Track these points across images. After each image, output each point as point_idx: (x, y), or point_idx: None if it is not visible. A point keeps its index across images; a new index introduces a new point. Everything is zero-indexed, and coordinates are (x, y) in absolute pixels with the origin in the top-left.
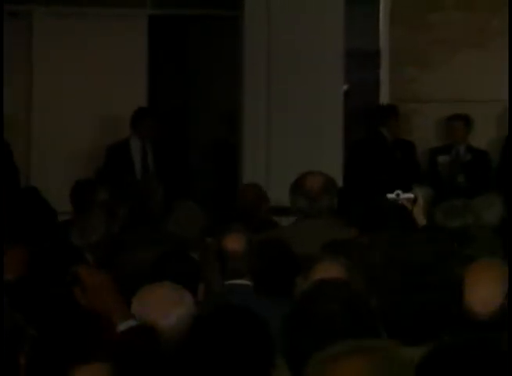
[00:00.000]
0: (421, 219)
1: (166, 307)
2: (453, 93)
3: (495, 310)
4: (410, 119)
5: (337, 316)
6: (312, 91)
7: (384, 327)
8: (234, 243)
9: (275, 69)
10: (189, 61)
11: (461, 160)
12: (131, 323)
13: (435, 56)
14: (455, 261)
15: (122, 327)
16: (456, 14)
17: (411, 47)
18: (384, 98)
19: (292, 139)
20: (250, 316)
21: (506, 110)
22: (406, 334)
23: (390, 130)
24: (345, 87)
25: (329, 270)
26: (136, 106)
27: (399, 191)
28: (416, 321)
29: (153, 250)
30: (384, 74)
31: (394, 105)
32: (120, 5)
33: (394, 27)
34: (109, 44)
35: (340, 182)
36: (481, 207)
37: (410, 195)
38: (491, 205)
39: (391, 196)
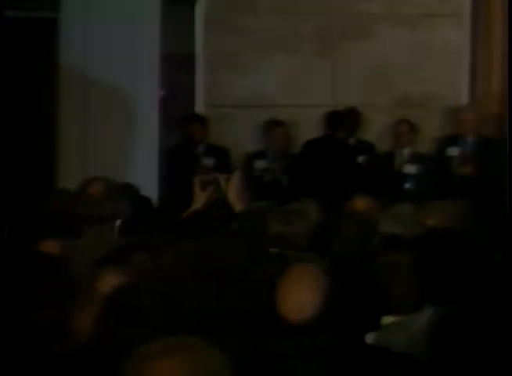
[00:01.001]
0: (237, 204)
1: None
2: (267, 98)
3: (310, 316)
4: (224, 124)
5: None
6: (129, 94)
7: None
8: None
9: (91, 71)
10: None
11: (280, 164)
12: None
13: (249, 60)
14: (269, 266)
15: None
16: (269, 18)
17: (226, 51)
18: (200, 103)
19: (109, 143)
20: None
21: (321, 115)
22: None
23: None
24: (162, 91)
25: (113, 278)
26: None
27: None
28: (225, 328)
29: None
30: (199, 78)
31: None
32: None
33: (209, 31)
34: None
35: (155, 187)
36: (298, 213)
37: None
38: (305, 212)
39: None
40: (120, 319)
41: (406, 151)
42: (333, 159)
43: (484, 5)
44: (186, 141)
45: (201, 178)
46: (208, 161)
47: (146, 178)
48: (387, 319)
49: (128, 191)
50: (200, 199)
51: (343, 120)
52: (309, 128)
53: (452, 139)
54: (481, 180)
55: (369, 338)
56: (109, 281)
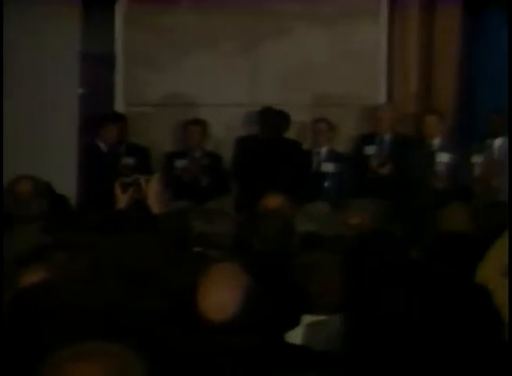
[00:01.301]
0: (156, 206)
1: None
2: (187, 97)
3: (231, 315)
4: (143, 123)
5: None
6: (48, 94)
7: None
8: None
9: (9, 71)
10: None
11: (199, 164)
12: None
13: (169, 59)
14: (190, 265)
15: None
16: (189, 17)
17: (145, 50)
18: (119, 102)
19: (27, 142)
20: None
21: (242, 114)
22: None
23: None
24: (81, 90)
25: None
26: None
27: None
28: (145, 327)
29: None
30: (118, 77)
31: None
32: None
33: (128, 30)
34: None
35: (74, 185)
36: (219, 212)
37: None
38: (226, 211)
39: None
40: (26, 320)
41: (324, 150)
42: (270, 157)
43: (400, 5)
44: (106, 140)
45: (122, 181)
46: (128, 161)
47: (65, 177)
48: (307, 319)
49: (48, 190)
50: (121, 200)
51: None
52: (229, 127)
53: (370, 138)
54: (398, 179)
55: (290, 336)
56: (31, 279)
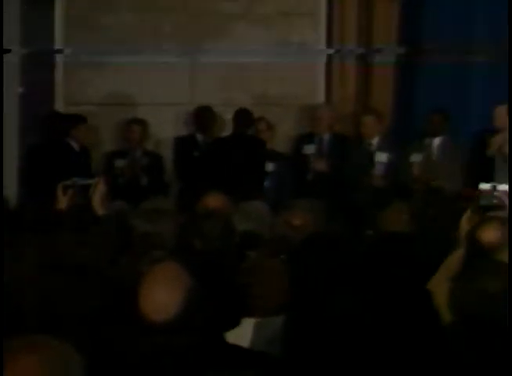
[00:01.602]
0: (100, 208)
1: None
2: (128, 96)
3: (171, 315)
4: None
5: None
6: None
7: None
8: None
9: None
10: None
11: (138, 163)
12: None
13: (110, 59)
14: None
15: None
16: (130, 16)
17: (86, 49)
18: (59, 101)
19: None
20: None
21: (181, 114)
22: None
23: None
24: (21, 89)
25: None
26: None
27: None
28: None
29: None
30: (59, 76)
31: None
32: None
33: (69, 29)
34: None
35: (15, 187)
36: (161, 211)
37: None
38: (167, 211)
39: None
40: None
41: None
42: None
43: (338, 6)
44: (47, 140)
45: (63, 183)
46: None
47: (5, 177)
48: (248, 320)
49: None
50: (61, 202)
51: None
52: (170, 127)
53: (308, 138)
54: (337, 178)
55: (230, 336)
56: None
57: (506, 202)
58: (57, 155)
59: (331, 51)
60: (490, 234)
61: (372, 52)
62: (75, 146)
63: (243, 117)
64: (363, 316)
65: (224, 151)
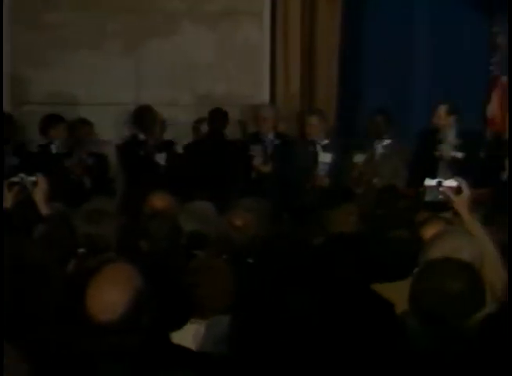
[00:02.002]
0: (43, 207)
1: None
2: (72, 95)
3: (117, 315)
4: (30, 121)
5: None
6: None
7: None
8: None
9: None
10: None
11: (84, 163)
12: None
13: (54, 57)
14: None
15: None
16: (74, 14)
17: (30, 47)
18: (5, 100)
19: None
20: None
21: (127, 114)
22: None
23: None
24: None
25: None
26: None
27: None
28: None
29: None
30: (3, 74)
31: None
32: None
33: (13, 27)
34: None
35: None
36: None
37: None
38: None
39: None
40: None
41: None
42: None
43: (282, 5)
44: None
45: (9, 180)
46: (14, 161)
47: None
48: (194, 321)
49: None
50: (7, 199)
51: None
52: (114, 127)
53: (253, 137)
54: (281, 178)
55: (175, 337)
56: None
57: (452, 197)
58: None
59: (275, 50)
60: (431, 232)
61: (315, 52)
62: (52, 146)
63: (217, 117)
64: (311, 316)
65: (201, 153)
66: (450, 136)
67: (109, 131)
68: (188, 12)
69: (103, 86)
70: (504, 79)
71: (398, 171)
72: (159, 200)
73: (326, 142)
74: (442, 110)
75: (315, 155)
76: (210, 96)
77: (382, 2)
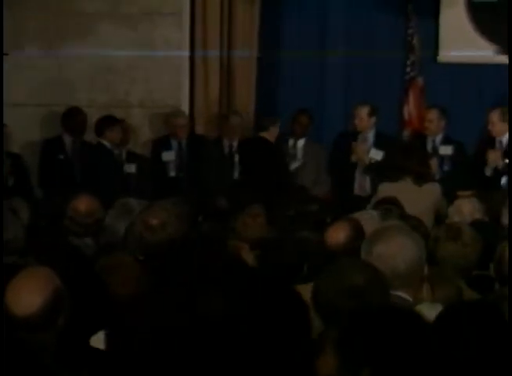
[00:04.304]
0: None
1: None
2: None
3: (34, 316)
4: None
5: None
6: None
7: None
8: None
9: None
10: None
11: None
12: None
13: None
14: None
15: None
16: None
17: None
18: None
19: None
20: None
21: (45, 115)
22: None
23: None
24: None
25: None
26: None
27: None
28: None
29: None
30: None
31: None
32: None
33: None
34: None
35: None
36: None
37: None
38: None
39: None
40: None
41: (124, 151)
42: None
43: (201, 6)
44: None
45: None
46: None
47: None
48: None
49: None
50: None
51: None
52: (33, 128)
53: (166, 140)
54: (196, 180)
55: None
56: None
57: None
58: None
59: (194, 52)
60: (333, 236)
61: (234, 53)
62: None
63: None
64: (222, 318)
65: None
66: (370, 138)
67: (28, 132)
68: (107, 13)
69: (21, 87)
70: (420, 80)
71: (320, 173)
72: (82, 204)
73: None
74: (364, 111)
75: (232, 156)
76: (127, 99)
77: (298, 4)
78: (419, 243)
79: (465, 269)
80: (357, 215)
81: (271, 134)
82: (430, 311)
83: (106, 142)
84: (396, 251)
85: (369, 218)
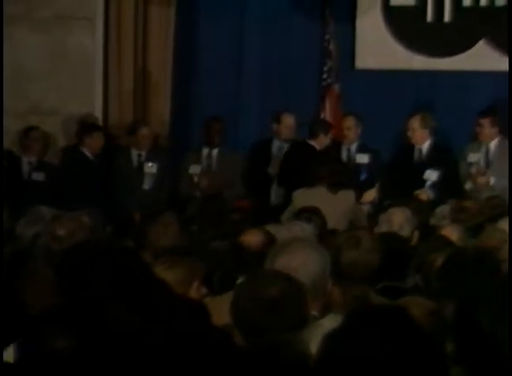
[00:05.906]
0: None
1: None
2: None
3: None
4: None
5: None
6: None
7: None
8: None
9: None
10: None
11: None
12: None
13: None
14: None
15: None
16: None
17: None
18: None
19: None
20: None
21: None
22: None
23: None
24: None
25: None
26: None
27: None
28: None
29: None
30: None
31: None
32: None
33: None
34: None
35: None
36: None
37: None
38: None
39: None
40: None
41: (34, 159)
42: None
43: (115, 10)
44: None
45: None
46: None
47: None
48: None
49: None
50: None
51: None
52: None
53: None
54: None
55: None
56: None
57: None
58: None
59: (108, 58)
60: (249, 240)
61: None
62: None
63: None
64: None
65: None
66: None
67: None
68: (22, 17)
69: None
70: (336, 87)
71: (234, 180)
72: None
73: (151, 152)
74: (290, 119)
75: (141, 167)
76: (41, 104)
77: (214, 10)
78: (323, 256)
79: (368, 276)
80: (288, 227)
81: (319, 142)
82: (332, 323)
83: (85, 150)
84: (299, 265)
85: (299, 230)
